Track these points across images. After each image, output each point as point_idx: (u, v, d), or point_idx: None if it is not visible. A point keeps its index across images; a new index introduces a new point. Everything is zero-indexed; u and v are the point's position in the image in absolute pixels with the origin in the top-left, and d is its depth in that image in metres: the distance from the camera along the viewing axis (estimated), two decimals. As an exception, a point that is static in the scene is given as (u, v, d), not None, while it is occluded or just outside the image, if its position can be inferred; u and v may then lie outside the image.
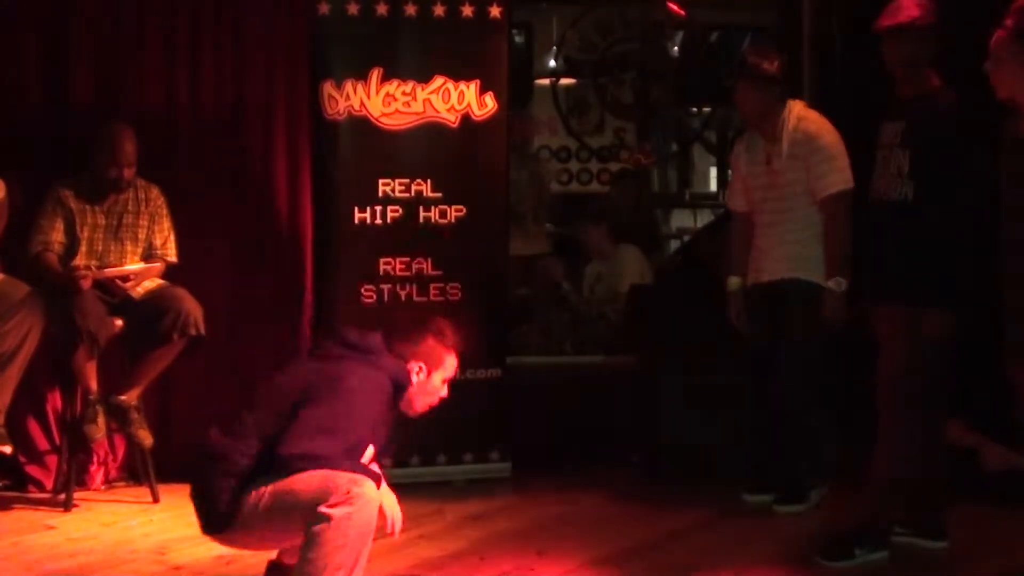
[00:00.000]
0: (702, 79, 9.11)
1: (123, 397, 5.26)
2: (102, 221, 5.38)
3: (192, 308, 5.21)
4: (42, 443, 5.54)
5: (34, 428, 5.53)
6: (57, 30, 5.62)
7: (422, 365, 3.83)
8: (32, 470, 5.52)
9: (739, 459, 5.48)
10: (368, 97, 5.47)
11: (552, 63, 9.42)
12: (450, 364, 3.89)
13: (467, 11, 5.56)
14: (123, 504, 5.37)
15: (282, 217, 5.82)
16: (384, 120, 5.50)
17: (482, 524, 5.02)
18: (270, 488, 3.50)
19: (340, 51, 5.51)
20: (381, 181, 5.51)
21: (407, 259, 5.54)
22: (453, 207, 5.57)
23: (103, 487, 5.61)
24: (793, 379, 5.13)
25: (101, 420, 5.23)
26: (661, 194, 9.95)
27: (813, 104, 5.40)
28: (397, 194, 5.53)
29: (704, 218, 9.50)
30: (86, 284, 5.13)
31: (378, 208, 5.51)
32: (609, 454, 5.98)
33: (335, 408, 3.54)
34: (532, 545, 4.67)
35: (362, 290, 5.49)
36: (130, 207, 5.41)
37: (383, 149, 5.52)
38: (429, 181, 5.55)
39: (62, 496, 5.27)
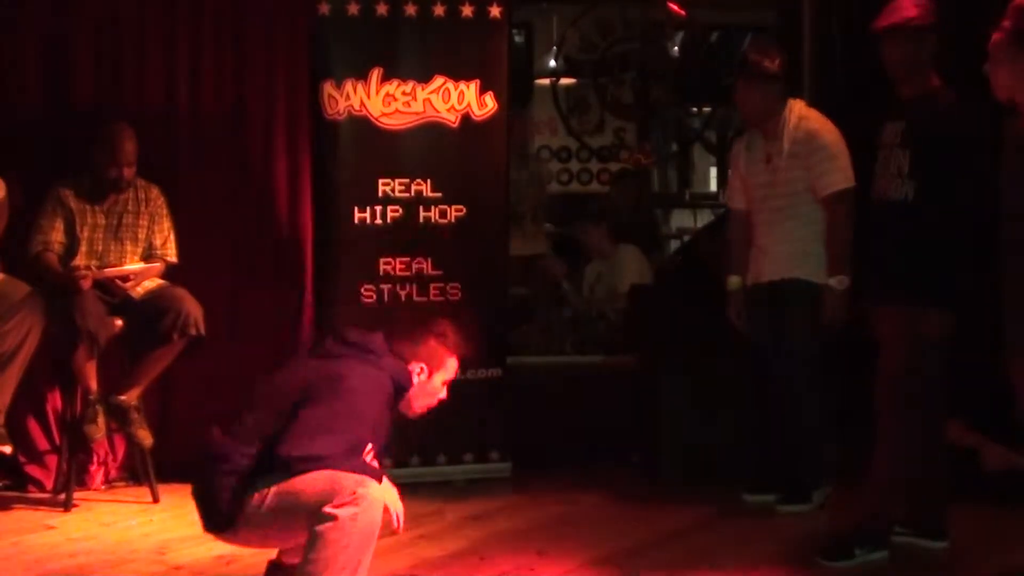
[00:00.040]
0: (702, 79, 9.10)
1: (123, 397, 5.26)
2: (102, 221, 5.38)
3: (192, 308, 5.21)
4: (42, 443, 5.54)
5: (34, 428, 5.53)
6: (57, 30, 5.62)
7: (423, 366, 3.83)
8: (32, 470, 5.52)
9: (739, 459, 5.49)
10: (368, 97, 5.48)
11: (552, 63, 9.41)
12: (451, 366, 3.89)
13: (467, 11, 5.56)
14: (123, 504, 5.37)
15: (282, 217, 5.82)
16: (384, 120, 5.51)
17: (482, 524, 5.02)
18: (274, 489, 3.50)
19: (340, 51, 5.51)
20: (381, 181, 5.51)
21: (407, 259, 5.54)
22: (453, 207, 5.57)
23: (103, 487, 5.61)
24: (795, 380, 5.13)
25: (101, 420, 5.23)
26: (661, 194, 9.94)
27: (813, 104, 5.40)
28: (397, 194, 5.53)
29: (704, 218, 9.50)
30: (86, 284, 5.14)
31: (378, 208, 5.51)
32: (609, 454, 5.98)
33: (335, 408, 3.54)
34: (532, 545, 4.67)
35: (362, 290, 5.49)
36: (130, 207, 5.42)
37: (383, 149, 5.52)
38: (429, 181, 5.55)
39: (62, 496, 5.27)
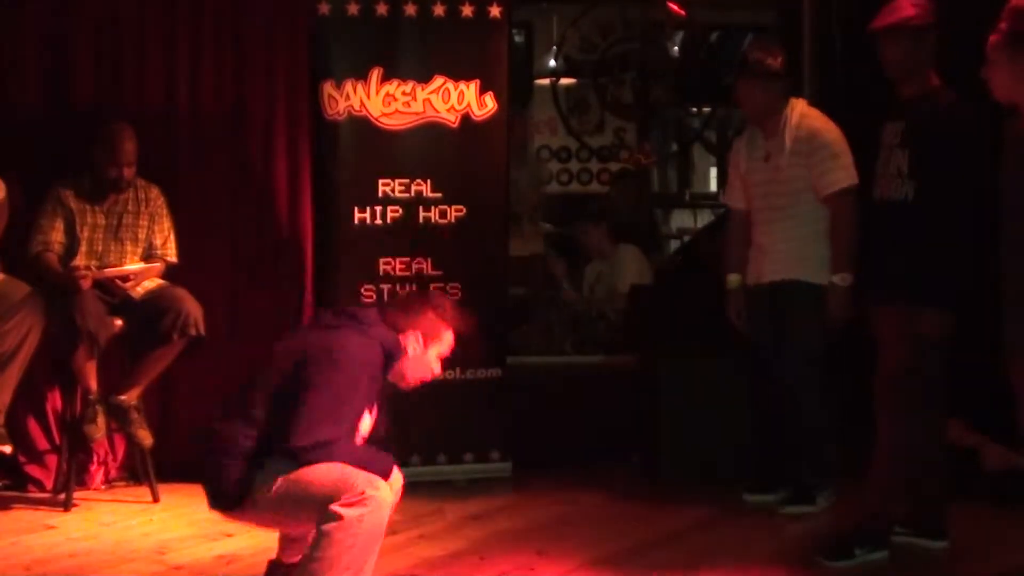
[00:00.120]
0: (702, 79, 9.09)
1: (123, 397, 5.26)
2: (102, 221, 5.38)
3: (192, 308, 5.21)
4: (42, 443, 5.54)
5: (34, 428, 5.53)
6: (57, 30, 5.62)
7: (419, 336, 3.80)
8: (32, 470, 5.52)
9: (739, 459, 5.49)
10: (368, 97, 5.48)
11: (552, 63, 9.40)
12: (447, 340, 3.86)
13: (467, 11, 5.56)
14: (123, 504, 5.37)
15: (282, 217, 5.82)
16: (384, 120, 5.51)
17: (482, 524, 5.03)
18: (284, 477, 3.50)
19: (340, 51, 5.51)
20: (381, 181, 5.51)
21: (407, 259, 5.54)
22: (453, 207, 5.57)
23: (103, 487, 5.61)
24: (796, 380, 5.12)
25: (101, 420, 5.24)
26: (661, 194, 9.94)
27: (813, 104, 5.40)
28: (397, 194, 5.53)
29: (704, 218, 9.49)
30: (86, 284, 5.14)
31: (378, 208, 5.51)
32: (609, 454, 5.98)
33: (334, 384, 3.51)
34: (532, 545, 4.67)
35: (362, 290, 5.49)
36: (130, 207, 5.42)
37: (383, 149, 5.52)
38: (429, 181, 5.55)
39: (62, 496, 5.27)
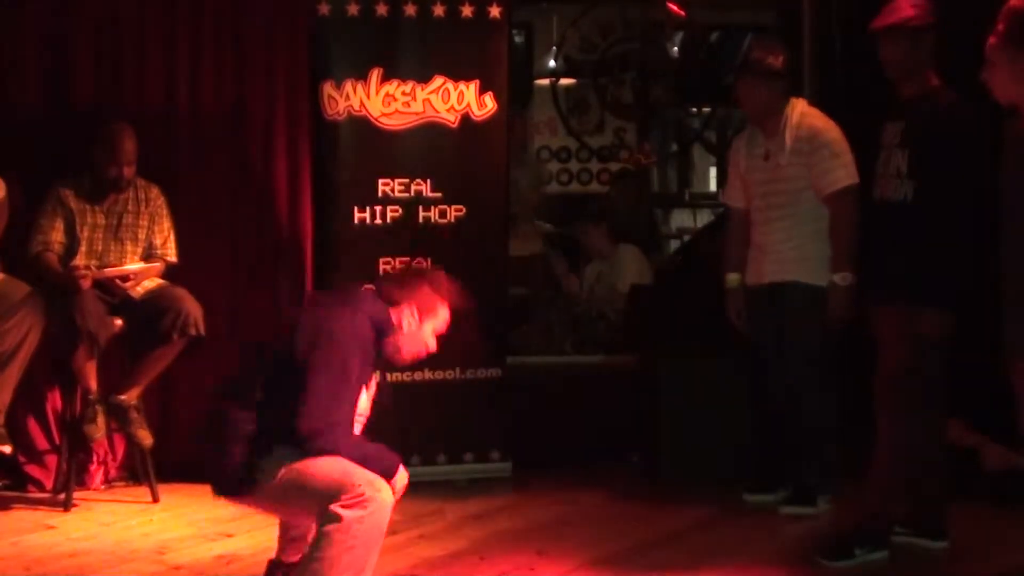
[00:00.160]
0: (702, 79, 9.09)
1: (123, 397, 5.26)
2: (102, 221, 5.38)
3: (192, 308, 5.21)
4: (42, 443, 5.54)
5: (34, 428, 5.53)
6: (57, 30, 5.62)
7: (415, 310, 3.77)
8: (32, 470, 5.52)
9: (739, 459, 5.49)
10: (368, 97, 5.48)
11: (552, 63, 9.40)
12: (442, 315, 3.83)
13: (467, 11, 5.56)
14: (123, 504, 5.36)
15: (282, 217, 5.82)
16: (384, 120, 5.51)
17: (482, 524, 5.03)
18: (288, 466, 3.50)
19: (340, 51, 5.50)
20: (381, 181, 5.51)
21: (407, 259, 5.52)
22: (453, 207, 5.57)
23: (103, 487, 5.61)
24: (796, 380, 5.12)
25: (101, 420, 5.24)
26: (661, 194, 9.94)
27: (813, 104, 5.40)
28: (397, 194, 5.53)
29: (704, 218, 9.49)
30: (86, 284, 5.14)
31: (378, 208, 5.51)
32: (609, 454, 5.98)
33: (329, 366, 3.50)
34: (532, 545, 4.67)
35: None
36: (130, 207, 5.42)
37: (383, 149, 5.52)
38: (429, 181, 5.55)
39: (62, 496, 5.27)
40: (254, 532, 4.80)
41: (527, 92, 9.22)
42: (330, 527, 3.42)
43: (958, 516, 4.63)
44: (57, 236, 5.31)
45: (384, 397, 3.86)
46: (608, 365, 6.45)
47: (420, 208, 5.54)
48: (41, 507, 5.29)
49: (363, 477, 3.47)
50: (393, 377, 5.46)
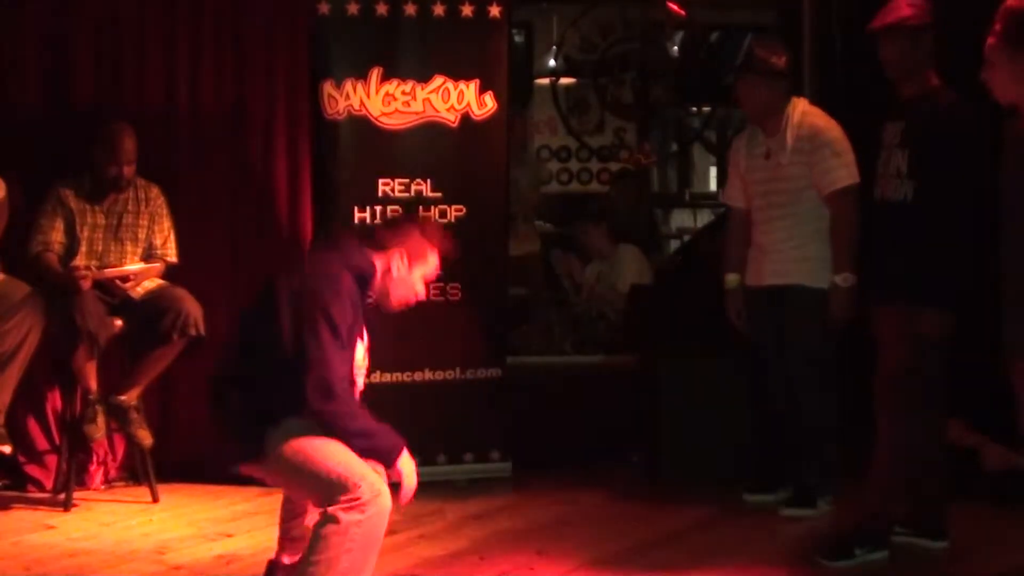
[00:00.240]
0: (702, 79, 9.10)
1: (123, 397, 5.26)
2: (102, 221, 5.38)
3: (192, 308, 5.21)
4: (42, 443, 5.54)
5: (34, 428, 5.53)
6: (57, 30, 5.62)
7: (404, 255, 3.76)
8: (32, 470, 5.52)
9: (739, 459, 5.49)
10: (368, 97, 5.48)
11: (552, 63, 9.42)
12: (432, 262, 3.83)
13: (467, 11, 5.56)
14: (123, 504, 5.36)
15: (282, 217, 5.82)
16: (384, 120, 5.51)
17: (482, 524, 5.03)
18: (294, 439, 3.50)
19: (340, 51, 5.50)
20: (381, 181, 5.51)
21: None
22: (453, 207, 5.57)
23: (103, 487, 5.60)
24: (798, 381, 5.11)
25: (101, 420, 5.24)
26: (661, 194, 9.95)
27: (813, 104, 5.39)
28: (397, 194, 5.53)
29: (704, 218, 9.50)
30: (86, 284, 5.14)
31: (378, 208, 5.50)
32: (609, 454, 5.98)
33: (321, 331, 3.48)
34: (532, 545, 4.67)
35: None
36: (130, 207, 5.42)
37: (383, 149, 5.52)
38: (429, 181, 5.55)
39: (62, 496, 5.27)
40: (254, 532, 4.81)
41: (527, 92, 9.23)
42: (327, 529, 3.42)
43: (958, 516, 4.63)
44: (57, 236, 5.31)
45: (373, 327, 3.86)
46: (608, 365, 6.45)
47: (420, 208, 5.53)
48: (41, 507, 5.29)
49: (363, 476, 3.46)
50: (393, 377, 5.48)
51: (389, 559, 4.29)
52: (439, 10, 5.52)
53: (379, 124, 5.50)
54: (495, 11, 5.60)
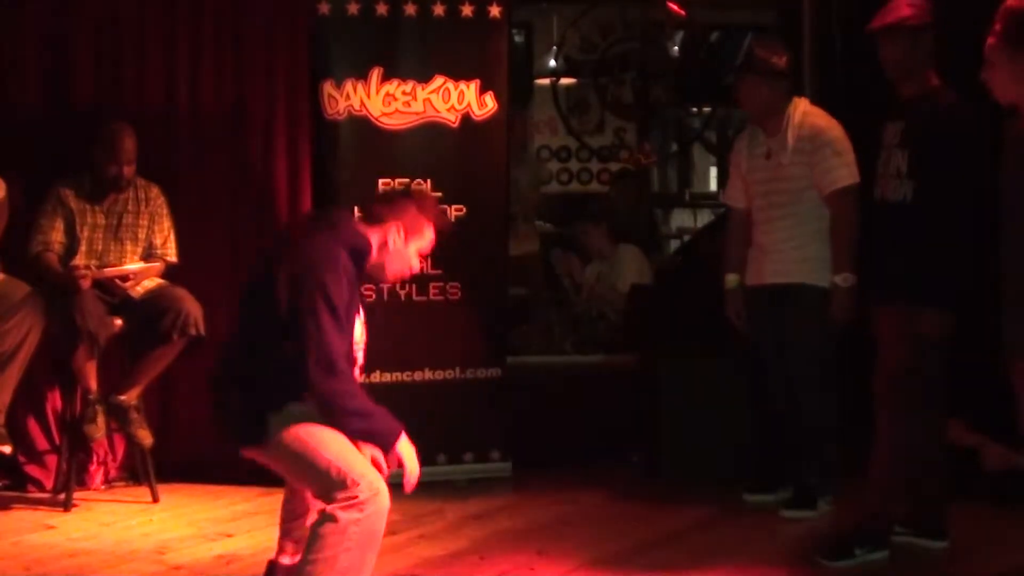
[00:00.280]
0: (702, 79, 9.10)
1: (123, 397, 5.26)
2: (102, 221, 5.38)
3: (192, 308, 5.21)
4: (42, 443, 5.54)
5: (34, 428, 5.53)
6: (57, 30, 5.62)
7: (400, 228, 3.76)
8: (32, 470, 5.52)
9: (739, 459, 5.49)
10: (368, 97, 5.48)
11: (552, 63, 9.41)
12: (428, 236, 3.83)
13: (467, 11, 5.56)
14: (123, 504, 5.36)
15: (282, 217, 5.81)
16: (384, 120, 5.51)
17: (482, 524, 5.03)
18: (295, 426, 3.50)
19: (340, 51, 5.51)
20: (381, 181, 5.51)
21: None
22: (453, 207, 5.57)
23: (103, 487, 5.61)
24: (798, 381, 5.11)
25: (101, 420, 5.24)
26: (661, 194, 9.95)
27: (813, 104, 5.39)
28: (397, 194, 5.52)
29: (704, 218, 9.50)
30: (86, 284, 5.14)
31: (378, 208, 5.50)
32: (609, 454, 5.98)
33: (319, 310, 3.47)
34: (532, 545, 4.67)
35: (362, 289, 5.47)
36: (130, 207, 5.42)
37: (383, 149, 5.52)
38: (429, 181, 5.55)
39: (62, 496, 5.27)
40: (254, 532, 4.81)
41: (527, 92, 9.22)
42: (326, 528, 3.42)
43: (958, 516, 4.63)
44: (57, 236, 5.31)
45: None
46: (608, 365, 6.45)
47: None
48: (41, 507, 5.29)
49: (362, 474, 3.46)
50: (393, 377, 5.48)
51: (389, 559, 4.29)
52: (439, 10, 5.52)
53: (379, 124, 5.50)
54: (495, 11, 5.60)
